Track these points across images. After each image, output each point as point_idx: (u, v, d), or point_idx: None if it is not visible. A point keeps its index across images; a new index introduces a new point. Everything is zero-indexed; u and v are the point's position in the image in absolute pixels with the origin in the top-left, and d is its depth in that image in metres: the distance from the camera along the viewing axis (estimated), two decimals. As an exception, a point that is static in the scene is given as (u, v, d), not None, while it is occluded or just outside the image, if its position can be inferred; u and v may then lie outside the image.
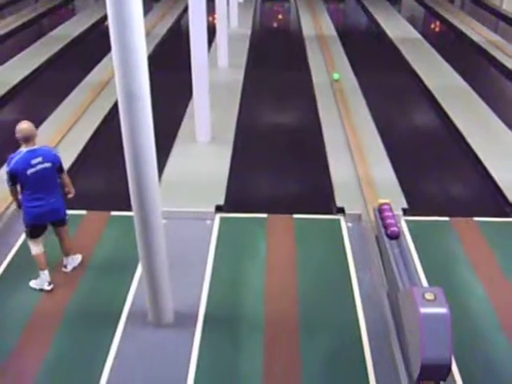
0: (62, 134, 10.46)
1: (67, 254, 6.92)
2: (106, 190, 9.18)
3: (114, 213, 8.16)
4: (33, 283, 6.66)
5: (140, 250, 5.63)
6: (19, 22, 19.41)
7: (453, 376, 5.48)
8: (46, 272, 6.60)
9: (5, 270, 7.00)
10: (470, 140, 10.37)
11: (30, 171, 6.10)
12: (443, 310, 4.98)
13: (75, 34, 18.01)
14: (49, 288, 6.61)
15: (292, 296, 6.59)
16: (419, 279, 6.57)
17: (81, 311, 6.37)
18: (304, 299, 6.55)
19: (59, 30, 18.70)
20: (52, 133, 10.49)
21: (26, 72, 14.08)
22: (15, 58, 15.43)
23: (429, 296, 5.07)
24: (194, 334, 6.01)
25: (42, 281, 6.61)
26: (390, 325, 6.03)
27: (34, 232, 6.51)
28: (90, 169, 9.75)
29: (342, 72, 14.16)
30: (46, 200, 6.33)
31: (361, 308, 6.42)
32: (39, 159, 6.16)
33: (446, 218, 8.07)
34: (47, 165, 6.22)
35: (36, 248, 6.55)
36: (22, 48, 16.29)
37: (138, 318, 6.22)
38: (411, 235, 7.69)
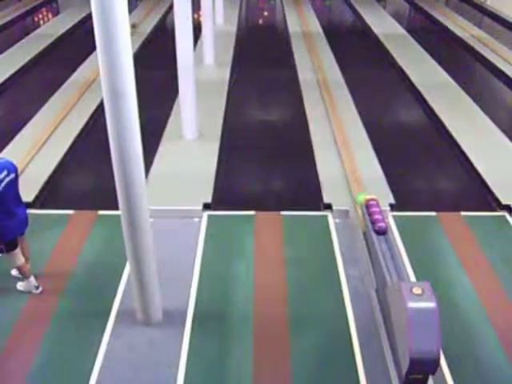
0: (49, 133, 10.39)
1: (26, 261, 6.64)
2: (94, 188, 9.13)
3: (101, 212, 8.12)
4: (20, 286, 6.62)
5: (128, 249, 5.61)
6: (3, 21, 19.25)
7: (441, 369, 5.53)
8: (32, 277, 6.56)
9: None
10: (455, 135, 10.44)
11: (1, 187, 5.83)
12: (431, 304, 5.01)
13: (60, 32, 17.89)
14: (38, 291, 6.57)
15: (281, 293, 6.60)
16: (407, 274, 6.62)
17: (69, 311, 6.35)
18: (293, 296, 6.56)
19: (44, 29, 18.57)
20: (38, 131, 10.43)
21: (12, 70, 13.99)
22: (0, 57, 15.32)
23: (416, 290, 5.09)
24: (183, 333, 6.01)
25: (29, 285, 6.56)
26: (378, 320, 6.06)
27: (14, 244, 6.31)
28: (77, 168, 9.70)
29: (328, 68, 14.19)
30: (18, 212, 6.22)
31: (349, 304, 6.44)
32: (5, 172, 5.87)
33: (433, 213, 8.12)
34: (12, 176, 5.98)
35: (20, 259, 6.41)
36: (6, 46, 16.17)
37: (126, 317, 6.20)
38: (398, 230, 7.73)
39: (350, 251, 7.36)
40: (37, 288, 6.56)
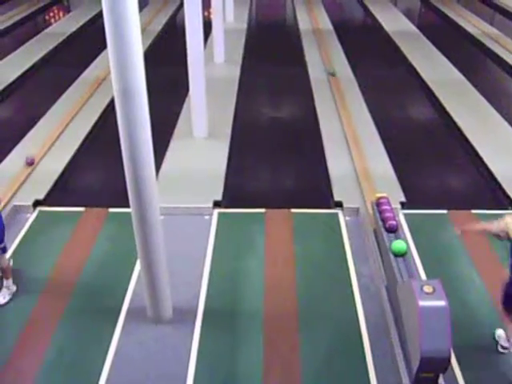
0: (60, 131, 10.44)
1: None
2: (104, 186, 9.17)
3: (112, 209, 8.15)
4: (3, 296, 6.51)
5: (138, 247, 5.63)
6: (15, 19, 19.35)
7: (452, 368, 5.50)
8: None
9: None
10: (467, 133, 10.38)
11: None
12: (442, 303, 4.99)
13: (71, 30, 17.95)
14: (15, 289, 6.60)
15: (291, 291, 6.60)
16: (418, 272, 6.59)
17: (80, 308, 6.38)
18: (303, 293, 6.56)
19: (55, 27, 18.65)
20: (49, 129, 10.48)
21: (23, 69, 14.06)
22: (11, 55, 15.40)
23: (427, 289, 5.08)
24: (193, 330, 6.03)
25: (10, 288, 6.56)
26: (389, 318, 6.04)
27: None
28: (88, 165, 9.74)
29: (339, 66, 14.16)
30: None
31: (360, 301, 6.43)
32: None
33: (444, 211, 8.08)
34: None
35: (6, 259, 6.52)
36: (18, 44, 16.26)
37: (137, 314, 6.23)
38: (409, 228, 7.70)
39: (361, 249, 7.34)
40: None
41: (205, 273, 6.89)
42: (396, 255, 6.30)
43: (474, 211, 8.01)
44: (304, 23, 18.73)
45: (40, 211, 8.15)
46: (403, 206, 8.11)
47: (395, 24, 18.71)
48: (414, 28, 18.32)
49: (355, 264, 7.06)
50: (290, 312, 6.28)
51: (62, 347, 5.86)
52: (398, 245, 6.36)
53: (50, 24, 19.40)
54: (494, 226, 5.22)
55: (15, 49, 15.91)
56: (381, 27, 18.47)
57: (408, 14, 20.37)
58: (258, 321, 6.15)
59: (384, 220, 6.83)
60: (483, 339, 5.93)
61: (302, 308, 6.34)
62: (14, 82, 13.30)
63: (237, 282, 6.77)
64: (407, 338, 5.43)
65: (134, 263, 6.88)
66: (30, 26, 19.59)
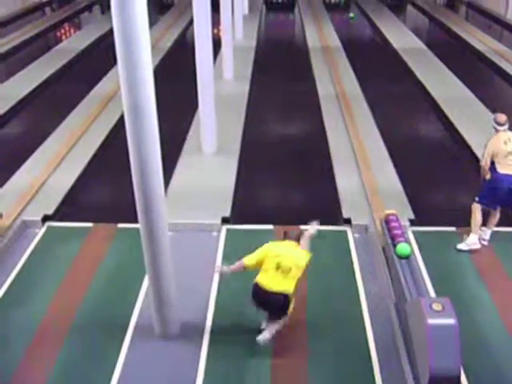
0: (69, 146, 10.50)
1: None
2: (113, 202, 9.19)
3: (120, 225, 8.17)
4: None
5: (146, 263, 5.63)
6: (27, 36, 19.58)
7: (462, 387, 5.45)
8: None
9: (10, 286, 7.00)
10: (475, 149, 10.34)
11: None
12: (451, 321, 4.96)
13: (81, 47, 18.13)
14: None
15: (300, 307, 6.54)
16: (427, 290, 6.54)
17: (87, 323, 6.37)
18: (312, 311, 6.52)
19: (66, 44, 18.85)
20: (59, 145, 10.54)
21: (34, 85, 14.18)
22: (23, 71, 15.55)
23: (436, 306, 5.05)
24: (200, 346, 6.00)
25: None
26: (398, 336, 6.00)
27: None
28: (97, 181, 9.78)
29: (347, 82, 14.21)
30: None
31: (368, 319, 6.39)
32: None
33: (453, 228, 8.05)
34: None
35: None
36: (30, 61, 16.44)
37: (144, 330, 6.21)
38: (418, 245, 7.66)
39: (370, 266, 7.31)
40: None
41: (213, 289, 6.87)
42: (401, 258, 6.44)
43: (483, 228, 7.97)
44: (313, 40, 18.84)
45: (49, 226, 8.17)
46: (412, 223, 8.08)
47: (403, 41, 18.78)
48: (422, 45, 18.38)
49: (364, 281, 7.03)
50: (298, 329, 6.24)
51: (69, 362, 5.85)
52: (402, 247, 6.51)
53: (61, 41, 19.62)
54: None
55: (27, 65, 16.06)
56: (389, 44, 18.54)
57: (416, 31, 20.44)
58: (266, 338, 6.12)
59: (393, 237, 6.80)
60: (493, 357, 5.86)
61: (311, 326, 6.30)
62: (24, 98, 13.41)
63: (245, 299, 6.73)
64: (416, 356, 5.38)
65: (142, 279, 6.87)
66: (42, 43, 19.81)
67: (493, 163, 7.26)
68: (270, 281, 5.60)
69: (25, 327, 6.31)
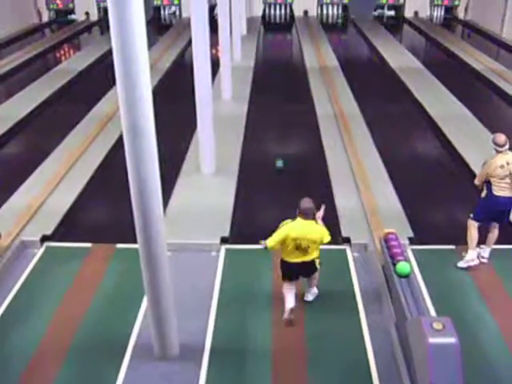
0: (68, 167, 10.51)
1: None
2: (112, 222, 9.18)
3: (119, 245, 8.15)
4: None
5: (145, 283, 5.61)
6: (27, 57, 19.71)
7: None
8: None
9: (8, 306, 6.96)
10: (474, 168, 10.36)
11: None
12: (452, 340, 4.93)
13: (80, 68, 18.24)
14: None
15: (299, 327, 6.53)
16: (427, 308, 6.52)
17: (86, 344, 6.32)
18: (311, 331, 6.49)
19: (65, 65, 18.97)
20: (58, 165, 10.56)
21: (33, 105, 14.24)
22: (23, 92, 15.63)
23: (437, 325, 5.03)
24: (200, 367, 5.96)
25: None
26: (398, 355, 5.96)
27: None
28: (96, 201, 9.77)
29: (345, 102, 14.28)
30: None
31: (368, 338, 6.36)
32: None
33: (452, 246, 8.04)
34: None
35: None
36: (29, 82, 16.53)
37: (143, 351, 6.16)
38: (418, 264, 7.64)
39: (369, 285, 7.28)
40: None
41: (212, 309, 6.84)
42: (401, 277, 6.46)
43: (482, 246, 7.96)
44: (310, 60, 18.96)
45: (47, 246, 8.16)
46: (411, 241, 8.08)
47: (400, 60, 18.90)
48: (419, 64, 18.50)
49: (363, 300, 7.00)
50: (298, 350, 6.21)
51: (67, 383, 5.79)
52: (402, 266, 6.52)
53: (61, 62, 19.73)
54: None
55: (27, 85, 16.15)
56: (386, 63, 18.67)
57: (413, 51, 20.58)
58: (266, 359, 6.07)
59: (392, 256, 6.79)
60: (495, 377, 5.82)
61: (310, 346, 6.26)
62: (23, 119, 13.46)
63: (244, 319, 6.72)
64: (417, 375, 5.34)
65: (141, 299, 6.84)
66: (41, 64, 19.93)
67: (489, 182, 7.30)
68: (295, 257, 6.46)
69: (23, 348, 6.25)
